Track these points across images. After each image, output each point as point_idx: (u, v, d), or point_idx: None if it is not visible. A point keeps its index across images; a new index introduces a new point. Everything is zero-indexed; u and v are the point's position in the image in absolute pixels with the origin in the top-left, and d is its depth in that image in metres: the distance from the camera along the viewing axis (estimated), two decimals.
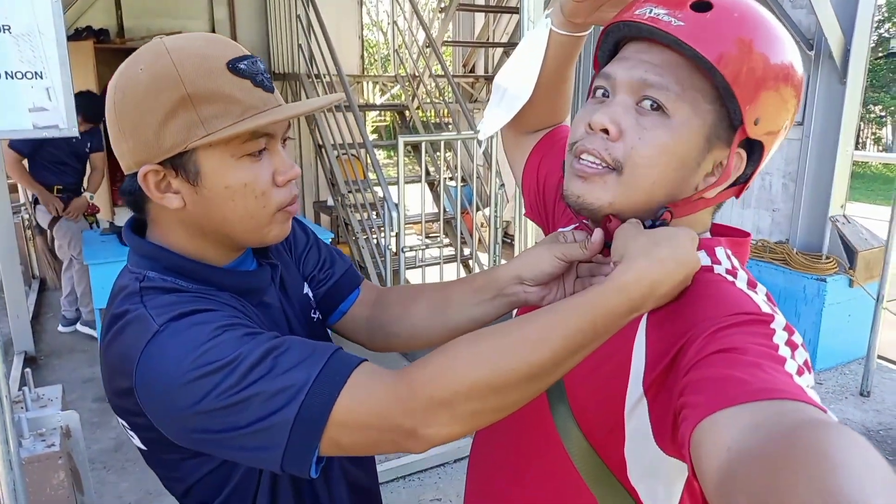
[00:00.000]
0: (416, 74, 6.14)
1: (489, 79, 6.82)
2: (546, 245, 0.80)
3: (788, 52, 0.68)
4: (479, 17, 7.05)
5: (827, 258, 3.78)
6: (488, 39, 6.85)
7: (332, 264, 1.02)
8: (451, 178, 5.38)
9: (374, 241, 4.86)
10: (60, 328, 4.46)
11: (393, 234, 4.42)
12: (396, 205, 4.27)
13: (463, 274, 4.87)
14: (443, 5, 6.26)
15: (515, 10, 6.30)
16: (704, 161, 0.69)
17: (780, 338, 0.59)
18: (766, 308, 0.63)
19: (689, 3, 0.65)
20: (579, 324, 0.63)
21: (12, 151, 3.95)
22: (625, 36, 0.72)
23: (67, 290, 4.38)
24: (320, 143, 5.34)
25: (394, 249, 4.46)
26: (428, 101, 5.97)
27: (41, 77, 1.67)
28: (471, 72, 7.16)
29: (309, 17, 5.33)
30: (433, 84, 6.13)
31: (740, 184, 0.74)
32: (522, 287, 0.82)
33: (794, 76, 0.68)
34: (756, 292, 0.67)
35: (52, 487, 1.90)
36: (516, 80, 0.92)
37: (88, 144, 4.26)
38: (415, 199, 4.84)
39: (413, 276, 4.85)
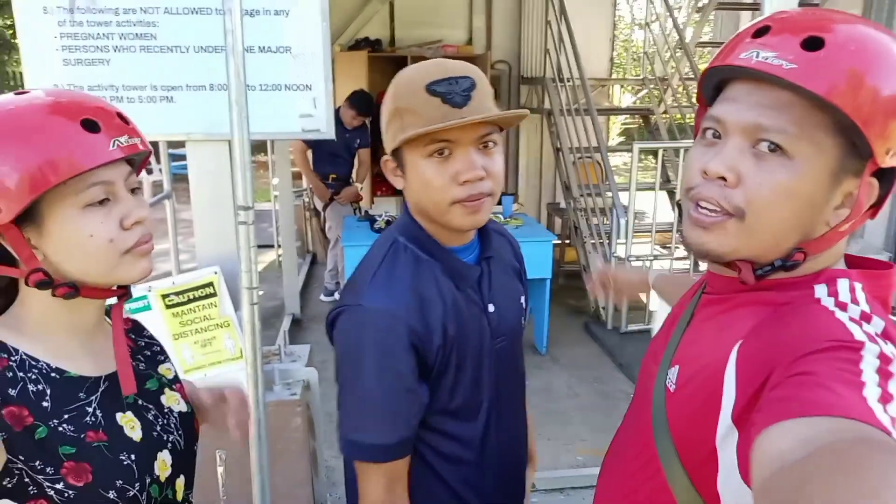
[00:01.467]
0: (665, 77, 5.89)
1: None
2: None
3: None
4: (745, 16, 6.50)
5: None
6: None
7: None
8: None
9: (604, 246, 4.82)
10: (322, 297, 5.21)
11: (620, 241, 4.35)
12: (626, 210, 4.19)
13: None
14: (700, 4, 5.90)
15: None
16: (833, 196, 0.67)
17: (868, 364, 0.57)
18: (859, 336, 0.60)
19: (798, 42, 0.63)
20: None
21: (301, 143, 4.74)
22: (731, 76, 0.71)
23: (331, 265, 5.11)
24: (558, 146, 5.44)
25: (621, 257, 4.38)
26: (675, 105, 5.70)
27: (309, 89, 2.00)
28: None
29: (559, 24, 5.45)
30: (682, 87, 5.82)
31: (874, 207, 0.70)
32: None
33: None
34: (861, 323, 0.63)
35: (290, 430, 2.28)
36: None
37: (357, 141, 4.94)
38: (658, 207, 4.69)
39: None
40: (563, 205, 5.59)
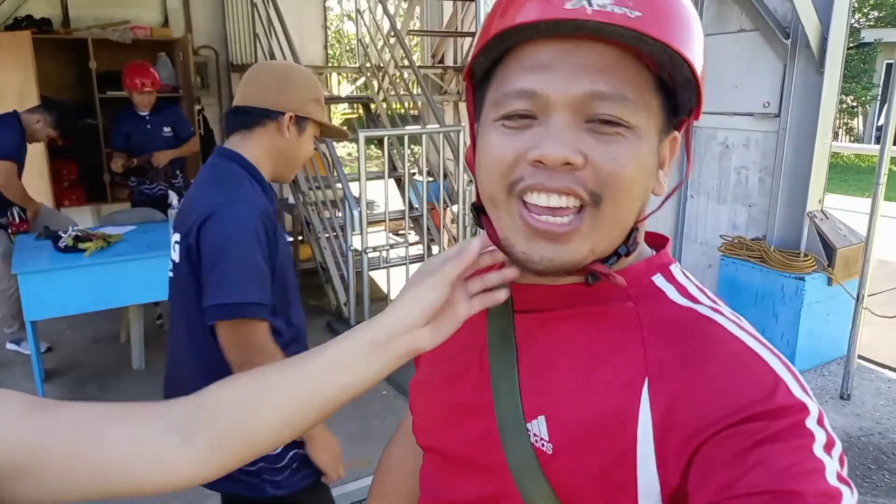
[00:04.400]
0: (382, 65, 5.90)
1: (458, 70, 6.60)
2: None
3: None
4: (448, 6, 6.82)
5: (805, 256, 3.64)
6: (457, 29, 6.63)
7: None
8: (418, 174, 5.17)
9: (338, 240, 4.64)
10: (8, 345, 4.06)
11: (355, 233, 4.20)
12: (358, 201, 4.05)
13: None
14: None
15: None
16: (655, 162, 0.59)
17: (819, 445, 0.49)
18: (795, 388, 0.52)
19: None
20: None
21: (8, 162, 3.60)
22: (531, 37, 0.55)
23: (2, 310, 3.97)
24: None
25: (357, 249, 4.24)
26: (393, 93, 5.74)
27: None
28: (440, 62, 6.94)
29: (266, 8, 5.07)
30: (399, 75, 5.89)
31: None
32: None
33: None
34: (760, 337, 0.57)
35: None
36: None
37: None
38: (384, 196, 4.64)
39: (378, 277, 4.64)
40: (291, 200, 5.27)
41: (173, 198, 3.57)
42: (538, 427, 0.59)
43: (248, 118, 1.42)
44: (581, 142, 0.54)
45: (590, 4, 0.51)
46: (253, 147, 1.43)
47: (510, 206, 0.57)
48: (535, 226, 0.55)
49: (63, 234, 3.28)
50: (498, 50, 0.58)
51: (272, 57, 5.20)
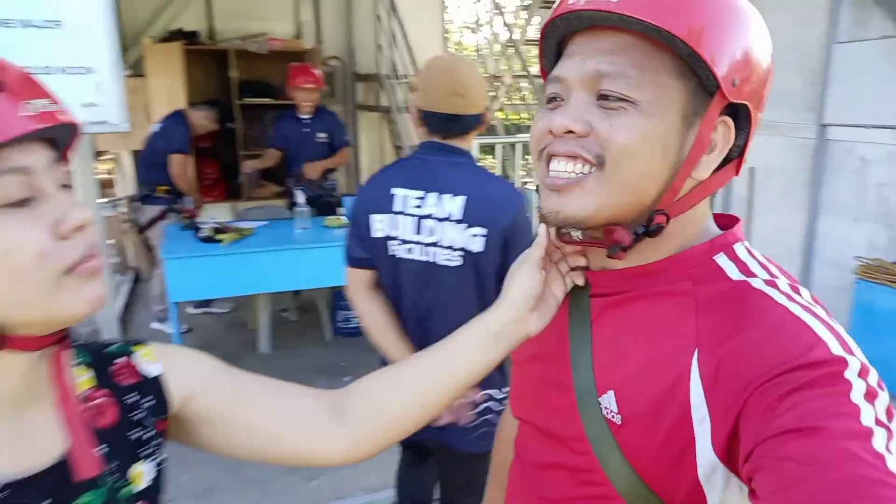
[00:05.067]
0: (497, 75, 5.98)
1: None
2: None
3: None
4: None
5: None
6: None
7: None
8: (531, 182, 5.20)
9: None
10: (153, 325, 4.46)
11: None
12: None
13: None
14: (526, 3, 6.06)
15: None
16: (687, 142, 0.63)
17: (857, 393, 0.51)
18: (834, 347, 0.54)
19: None
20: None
21: (181, 155, 4.10)
22: (566, 32, 0.67)
23: (157, 289, 4.35)
24: (398, 144, 5.30)
25: None
26: (509, 102, 5.80)
27: (91, 72, 1.65)
28: None
29: (390, 20, 5.31)
30: (515, 86, 5.94)
31: (735, 158, 0.67)
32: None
33: (753, 9, 0.64)
34: (812, 308, 0.59)
35: None
36: None
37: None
38: None
39: None
40: None
41: (300, 196, 3.82)
42: (608, 401, 0.66)
43: (473, 124, 1.59)
44: (589, 114, 0.62)
45: None
46: (469, 145, 1.63)
47: (540, 171, 0.67)
48: (545, 180, 0.65)
49: (203, 226, 3.61)
50: (551, 51, 0.70)
51: (393, 66, 5.44)
